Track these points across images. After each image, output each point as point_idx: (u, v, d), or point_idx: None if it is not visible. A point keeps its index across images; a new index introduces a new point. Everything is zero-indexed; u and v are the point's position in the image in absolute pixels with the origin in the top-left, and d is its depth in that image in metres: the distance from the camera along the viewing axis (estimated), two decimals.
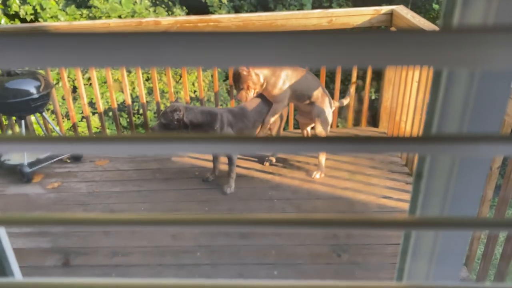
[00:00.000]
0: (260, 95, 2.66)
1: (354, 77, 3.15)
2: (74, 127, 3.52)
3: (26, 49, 0.28)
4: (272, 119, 2.71)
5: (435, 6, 6.46)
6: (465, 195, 0.36)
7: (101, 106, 3.35)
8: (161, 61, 0.29)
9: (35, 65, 0.29)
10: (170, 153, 0.35)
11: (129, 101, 3.31)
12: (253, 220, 0.34)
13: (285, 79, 2.57)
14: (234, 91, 2.73)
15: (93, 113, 5.11)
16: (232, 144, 0.33)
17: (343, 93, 3.07)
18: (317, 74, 2.92)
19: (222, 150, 0.34)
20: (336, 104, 2.89)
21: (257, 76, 2.51)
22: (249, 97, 2.55)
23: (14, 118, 3.03)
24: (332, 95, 3.14)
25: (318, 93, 2.69)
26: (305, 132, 2.98)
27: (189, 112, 2.49)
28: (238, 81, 2.54)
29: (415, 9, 6.18)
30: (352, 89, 3.02)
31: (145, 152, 0.35)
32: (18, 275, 0.48)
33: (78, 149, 0.34)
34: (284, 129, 3.17)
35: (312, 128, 2.82)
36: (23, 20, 5.66)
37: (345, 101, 3.00)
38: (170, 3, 6.47)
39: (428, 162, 0.36)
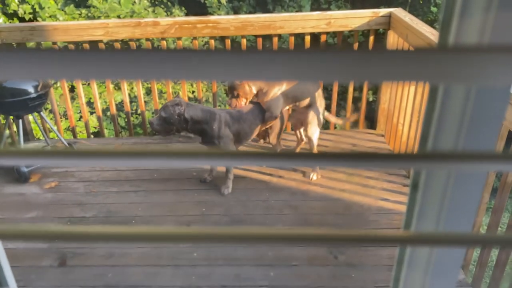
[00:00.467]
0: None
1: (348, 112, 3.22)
2: (73, 131, 3.52)
3: (26, 63, 0.28)
4: (265, 127, 2.76)
5: (433, 9, 6.48)
6: (461, 207, 0.36)
7: (99, 106, 3.35)
8: (160, 76, 0.30)
9: (34, 77, 0.29)
10: (167, 166, 0.36)
11: (127, 101, 3.31)
12: (247, 235, 0.34)
13: (278, 90, 2.61)
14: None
15: (91, 113, 5.10)
16: (233, 159, 0.33)
17: (341, 95, 3.08)
18: None
19: (221, 164, 0.34)
20: (331, 118, 2.96)
21: (250, 88, 2.58)
22: (239, 106, 2.61)
23: (11, 117, 3.02)
24: (330, 97, 3.15)
25: (318, 96, 2.72)
26: (298, 132, 3.00)
27: (190, 108, 2.50)
28: (231, 88, 2.61)
29: (413, 11, 6.20)
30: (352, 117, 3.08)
31: (143, 166, 0.35)
32: (12, 285, 0.48)
33: (74, 163, 0.34)
34: (284, 130, 3.18)
35: (304, 129, 2.84)
36: (22, 19, 5.65)
37: (341, 121, 3.06)
38: (169, 3, 6.47)
39: (425, 174, 0.36)
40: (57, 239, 0.37)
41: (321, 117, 2.78)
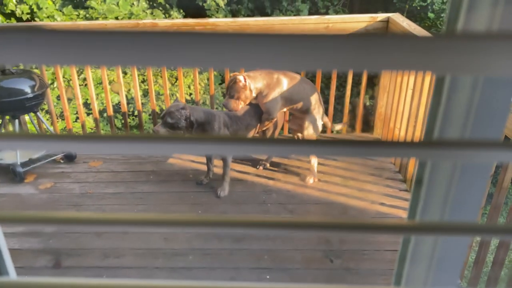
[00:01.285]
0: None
1: (345, 114, 3.23)
2: (69, 132, 3.51)
3: (23, 46, 0.28)
4: (261, 129, 2.78)
5: (430, 14, 6.51)
6: (465, 202, 0.36)
7: (96, 107, 3.34)
8: (160, 61, 0.29)
9: (32, 62, 0.29)
10: (165, 154, 0.36)
11: (124, 102, 3.31)
12: (251, 222, 0.34)
13: (278, 93, 2.60)
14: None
15: (88, 114, 5.09)
16: (227, 145, 0.33)
17: (338, 99, 3.08)
18: (312, 80, 2.93)
19: (217, 151, 0.34)
20: (328, 123, 2.97)
21: (250, 92, 2.55)
22: (237, 108, 2.57)
23: (7, 117, 3.01)
24: (327, 101, 3.16)
25: (315, 103, 2.72)
26: (296, 137, 3.00)
27: (193, 111, 2.50)
28: (232, 88, 2.55)
29: (411, 17, 6.23)
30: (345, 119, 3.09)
31: (140, 153, 0.35)
32: (13, 275, 0.48)
33: (73, 147, 0.34)
34: (280, 134, 3.18)
35: (302, 133, 2.84)
36: (19, 19, 5.63)
37: (337, 127, 3.10)
38: (167, 5, 6.47)
39: (429, 168, 0.36)
40: (57, 224, 0.36)
41: (320, 122, 2.78)
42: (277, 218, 0.33)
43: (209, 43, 0.28)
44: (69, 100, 4.58)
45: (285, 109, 2.77)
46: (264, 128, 2.79)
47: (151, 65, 0.29)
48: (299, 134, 2.98)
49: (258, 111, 2.68)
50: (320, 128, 2.81)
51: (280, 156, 3.09)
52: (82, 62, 0.29)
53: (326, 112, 3.09)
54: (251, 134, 2.74)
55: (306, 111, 2.72)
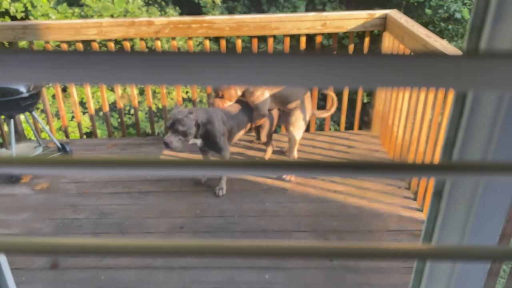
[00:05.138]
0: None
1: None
2: (65, 131, 3.49)
3: (25, 66, 0.26)
4: (254, 125, 2.81)
5: (428, 11, 6.50)
6: (488, 218, 0.34)
7: (92, 106, 3.32)
8: (157, 80, 0.28)
9: (33, 81, 0.28)
10: (162, 175, 0.34)
11: (120, 102, 3.28)
12: (256, 248, 0.33)
13: (265, 89, 2.63)
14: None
15: (84, 113, 5.05)
16: (228, 168, 0.32)
17: (337, 96, 3.06)
18: None
19: (218, 174, 0.32)
20: (316, 113, 2.96)
21: (235, 91, 2.61)
22: (222, 107, 2.62)
23: (2, 117, 2.98)
24: (325, 98, 3.14)
25: (303, 99, 2.74)
26: (284, 132, 3.04)
27: (197, 112, 2.47)
28: (217, 89, 2.63)
29: (408, 13, 6.20)
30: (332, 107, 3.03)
31: (136, 175, 0.34)
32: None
33: (66, 172, 0.32)
34: (276, 131, 3.17)
35: (287, 129, 2.84)
36: (13, 18, 5.59)
37: (322, 114, 3.04)
38: (163, 3, 6.43)
39: (450, 181, 0.34)
40: (51, 253, 0.35)
41: (307, 118, 2.80)
42: (287, 243, 0.31)
43: (208, 62, 0.27)
44: (65, 99, 4.54)
45: (277, 107, 2.78)
46: (258, 124, 2.79)
47: (148, 83, 0.28)
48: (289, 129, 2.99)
49: (249, 108, 2.68)
50: (305, 124, 2.83)
51: (276, 155, 3.08)
52: (78, 80, 0.28)
53: (323, 109, 3.07)
54: (242, 132, 2.74)
55: (295, 108, 2.73)
